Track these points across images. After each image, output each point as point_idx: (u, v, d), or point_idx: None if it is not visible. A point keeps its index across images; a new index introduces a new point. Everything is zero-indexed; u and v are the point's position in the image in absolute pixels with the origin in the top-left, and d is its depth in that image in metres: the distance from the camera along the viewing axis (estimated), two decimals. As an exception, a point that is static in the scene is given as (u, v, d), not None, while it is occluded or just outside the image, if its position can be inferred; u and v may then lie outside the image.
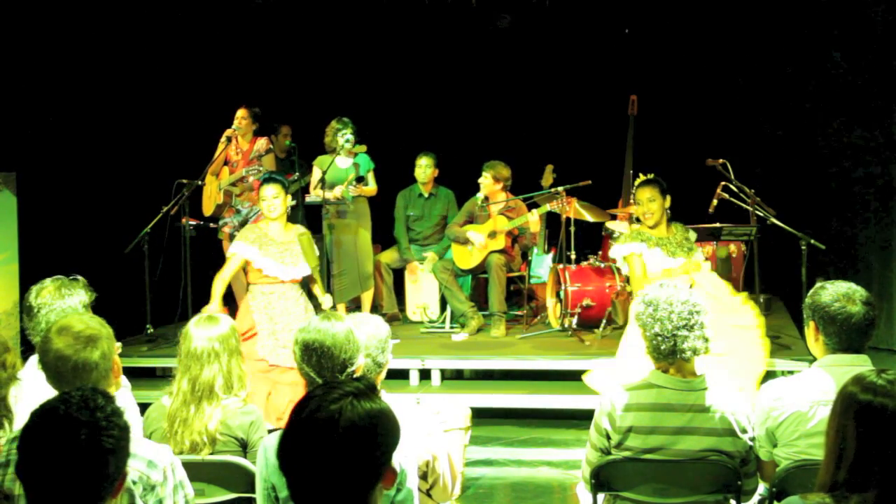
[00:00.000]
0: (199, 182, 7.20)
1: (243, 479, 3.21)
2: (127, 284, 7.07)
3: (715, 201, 6.82)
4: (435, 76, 9.46)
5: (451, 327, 7.56)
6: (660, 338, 3.09)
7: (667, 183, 5.69)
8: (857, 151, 7.98)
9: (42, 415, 2.01)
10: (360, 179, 7.40)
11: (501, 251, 7.34)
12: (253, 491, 2.96)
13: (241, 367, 3.43)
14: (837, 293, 3.05)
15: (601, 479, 3.13)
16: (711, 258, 6.41)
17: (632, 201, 6.12)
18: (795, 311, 7.05)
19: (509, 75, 9.36)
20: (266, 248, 5.77)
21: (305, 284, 6.04)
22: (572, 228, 7.53)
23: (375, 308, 7.69)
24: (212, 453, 3.28)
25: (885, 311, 7.59)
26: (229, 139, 7.46)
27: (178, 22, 8.51)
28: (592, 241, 8.14)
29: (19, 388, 2.92)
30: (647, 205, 5.59)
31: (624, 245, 5.68)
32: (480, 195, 7.52)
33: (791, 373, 5.40)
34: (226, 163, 7.56)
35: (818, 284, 3.14)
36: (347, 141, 7.20)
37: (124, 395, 3.11)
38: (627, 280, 6.89)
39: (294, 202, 6.31)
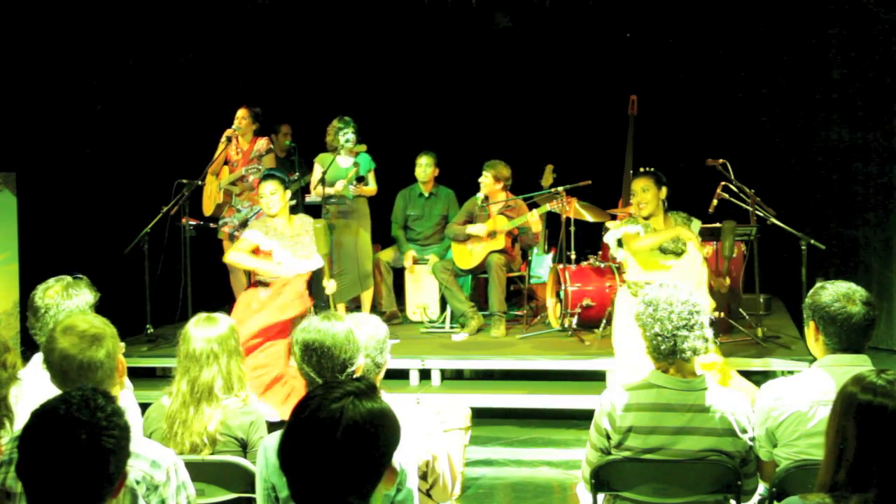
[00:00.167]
0: (199, 182, 7.20)
1: (243, 480, 3.20)
2: (127, 284, 7.07)
3: (715, 201, 6.82)
4: (435, 76, 9.46)
5: (451, 327, 7.56)
6: (660, 338, 3.09)
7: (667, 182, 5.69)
8: (857, 151, 7.99)
9: (42, 414, 2.01)
10: (361, 179, 7.41)
11: (501, 251, 7.34)
12: (253, 491, 2.96)
13: (240, 368, 3.43)
14: (837, 293, 3.05)
15: (601, 479, 3.14)
16: (711, 258, 6.40)
17: (631, 200, 6.13)
18: (795, 311, 7.05)
19: (509, 75, 9.36)
20: (276, 239, 5.87)
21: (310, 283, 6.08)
22: (572, 228, 7.54)
23: (374, 307, 7.69)
24: (212, 453, 3.28)
25: (885, 311, 7.59)
26: (229, 139, 7.46)
27: (178, 22, 8.51)
28: (592, 241, 8.14)
29: (20, 388, 2.92)
30: (640, 195, 5.59)
31: (618, 229, 5.69)
32: (480, 195, 7.52)
33: (791, 373, 5.40)
34: (226, 162, 7.56)
35: (818, 284, 3.14)
36: (348, 140, 7.21)
37: (126, 396, 3.11)
38: (619, 270, 6.90)
39: (294, 202, 6.32)
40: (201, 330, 3.38)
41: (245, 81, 8.88)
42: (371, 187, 7.56)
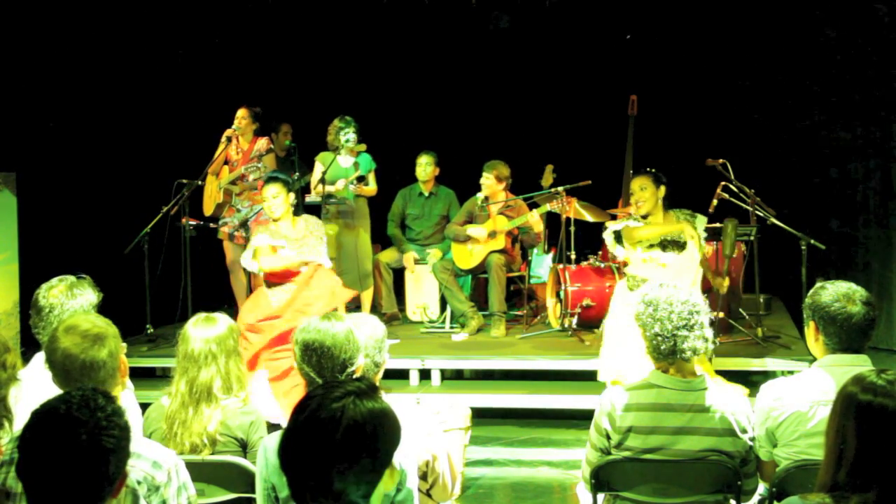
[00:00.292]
0: (199, 182, 7.21)
1: (243, 480, 3.20)
2: (127, 284, 7.07)
3: (715, 201, 6.82)
4: (435, 76, 9.46)
5: (451, 327, 7.56)
6: (660, 338, 3.09)
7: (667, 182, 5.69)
8: (857, 151, 7.99)
9: (42, 414, 2.01)
10: (362, 179, 7.41)
11: (501, 251, 7.34)
12: (253, 491, 2.96)
13: (240, 368, 3.42)
14: (837, 293, 3.05)
15: (601, 479, 3.14)
16: (712, 258, 6.40)
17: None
18: (795, 311, 7.05)
19: (509, 75, 9.35)
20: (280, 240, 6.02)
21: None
22: (572, 228, 7.53)
23: (374, 308, 7.69)
24: (212, 454, 3.28)
25: (885, 311, 7.59)
26: (229, 139, 7.46)
27: (178, 21, 8.51)
28: (592, 241, 8.13)
29: (19, 389, 2.92)
30: (638, 193, 5.57)
31: (616, 224, 5.69)
32: (481, 195, 7.52)
33: (791, 373, 5.40)
34: (226, 162, 7.56)
35: (818, 284, 3.14)
36: (349, 140, 7.21)
37: (127, 397, 3.11)
38: (618, 269, 6.90)
39: (294, 202, 6.35)
40: (200, 330, 3.38)
41: (245, 81, 8.87)
42: (371, 187, 7.56)
